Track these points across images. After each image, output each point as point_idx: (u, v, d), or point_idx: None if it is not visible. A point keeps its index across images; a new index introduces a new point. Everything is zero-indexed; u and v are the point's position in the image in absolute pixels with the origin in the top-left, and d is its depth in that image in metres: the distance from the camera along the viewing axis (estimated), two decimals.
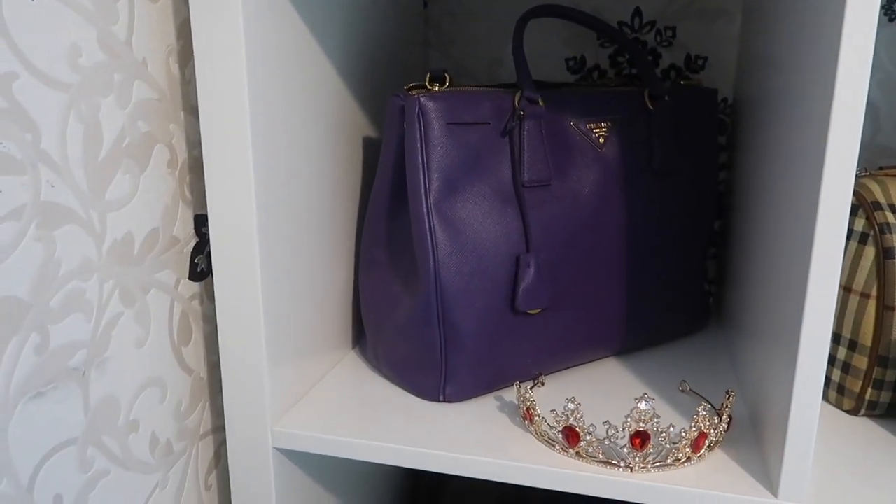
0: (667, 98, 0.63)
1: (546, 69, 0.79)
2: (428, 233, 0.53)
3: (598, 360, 0.64)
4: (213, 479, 0.58)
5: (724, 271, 0.73)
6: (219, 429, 0.59)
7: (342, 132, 0.61)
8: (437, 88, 0.55)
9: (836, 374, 0.55)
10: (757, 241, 0.56)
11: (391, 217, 0.58)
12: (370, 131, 0.67)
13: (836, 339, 0.55)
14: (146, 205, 0.48)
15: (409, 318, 0.56)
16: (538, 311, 0.56)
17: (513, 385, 0.59)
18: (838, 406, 0.56)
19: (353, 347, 0.67)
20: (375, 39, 0.68)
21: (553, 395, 0.57)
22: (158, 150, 0.49)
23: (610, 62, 0.78)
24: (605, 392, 0.58)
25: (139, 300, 0.48)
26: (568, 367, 0.62)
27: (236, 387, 0.52)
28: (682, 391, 0.57)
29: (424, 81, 0.56)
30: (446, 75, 0.56)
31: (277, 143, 0.50)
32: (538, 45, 0.79)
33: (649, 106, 0.62)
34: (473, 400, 0.56)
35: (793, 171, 0.45)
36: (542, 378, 0.58)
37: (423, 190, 0.53)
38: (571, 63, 0.79)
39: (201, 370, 0.56)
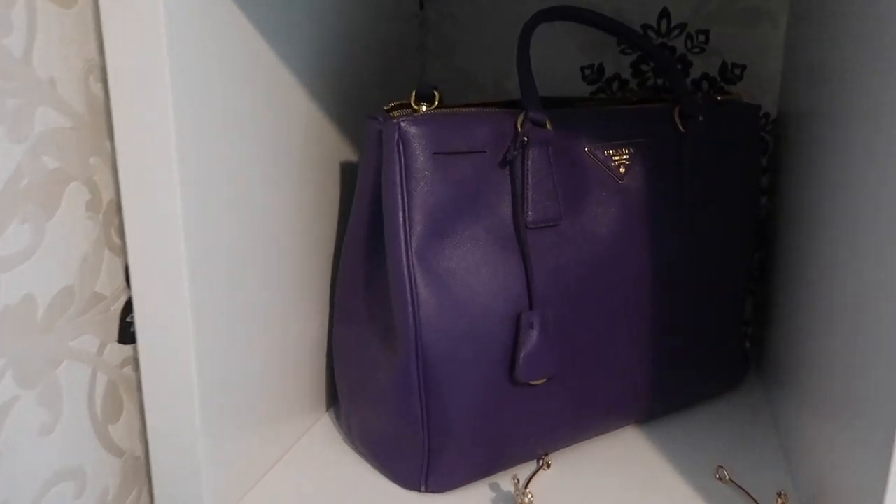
0: (701, 118, 0.52)
1: (559, 80, 0.69)
2: (408, 287, 0.43)
3: (616, 430, 0.54)
4: None
5: (764, 311, 0.63)
6: None
7: (315, 157, 0.52)
8: (424, 109, 0.45)
9: None
10: (814, 280, 0.45)
11: (369, 260, 0.48)
12: (352, 155, 0.58)
13: None
14: (55, 258, 0.39)
15: (386, 388, 0.46)
16: (543, 380, 0.46)
17: (512, 468, 0.48)
18: None
19: (328, 409, 0.57)
20: (361, 47, 0.58)
21: (562, 479, 0.47)
22: (73, 190, 0.40)
23: (632, 71, 0.68)
24: (625, 475, 0.47)
25: (45, 378, 0.39)
26: (580, 442, 0.51)
27: (167, 476, 0.42)
28: (720, 479, 0.47)
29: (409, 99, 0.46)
30: (436, 92, 0.46)
31: (217, 174, 0.41)
32: (550, 52, 0.69)
33: (680, 127, 0.52)
34: (463, 489, 0.46)
35: (878, 200, 0.35)
36: (547, 458, 0.48)
37: (402, 234, 0.43)
38: (588, 72, 0.69)
39: (136, 449, 0.46)
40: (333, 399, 0.57)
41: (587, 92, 0.69)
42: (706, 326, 0.55)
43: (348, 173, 0.57)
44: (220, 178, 0.41)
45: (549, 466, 0.48)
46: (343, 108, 0.56)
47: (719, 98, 0.55)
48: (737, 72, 0.65)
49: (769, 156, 0.66)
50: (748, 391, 0.60)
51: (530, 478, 0.46)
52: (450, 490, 0.46)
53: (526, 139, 0.45)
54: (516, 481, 0.43)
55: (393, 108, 0.46)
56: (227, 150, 0.41)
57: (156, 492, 0.42)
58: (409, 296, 0.43)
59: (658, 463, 0.49)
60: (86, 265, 0.41)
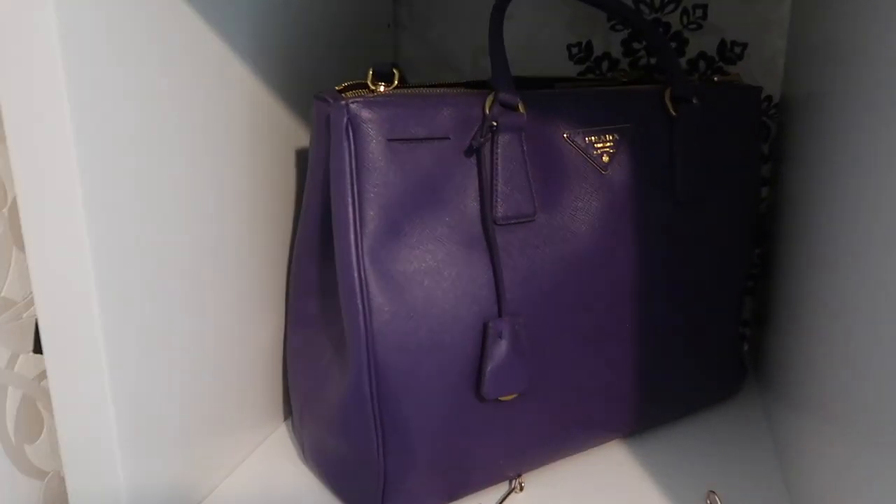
0: (695, 100, 0.47)
1: (543, 59, 0.64)
2: (358, 293, 0.38)
3: (600, 445, 0.49)
4: None
5: (764, 311, 0.58)
6: None
7: (267, 144, 0.46)
8: (382, 89, 0.40)
9: None
10: (820, 278, 0.40)
11: (323, 257, 0.43)
12: (306, 141, 0.52)
13: None
14: None
15: (337, 405, 0.41)
16: (514, 396, 0.41)
17: (481, 491, 0.44)
18: None
19: (286, 419, 0.52)
20: (324, 21, 0.52)
21: (535, 502, 0.42)
22: None
23: (623, 50, 0.62)
24: (605, 498, 0.43)
25: None
26: (557, 461, 0.47)
27: (84, 499, 0.37)
28: None
29: (366, 79, 0.41)
30: (395, 70, 0.41)
31: (125, 156, 0.36)
32: (534, 29, 0.63)
33: (672, 111, 0.46)
34: None
35: (891, 191, 0.29)
36: (521, 480, 0.43)
37: (352, 233, 0.38)
38: (575, 51, 0.63)
39: (60, 467, 0.42)
40: (291, 409, 0.53)
41: (574, 72, 0.63)
42: (699, 331, 0.50)
43: (304, 162, 0.52)
44: (130, 162, 0.36)
45: (521, 489, 0.43)
46: (303, 90, 0.51)
47: (716, 79, 0.50)
48: (737, 50, 0.60)
49: (771, 143, 0.61)
50: (745, 401, 0.55)
51: (499, 503, 0.41)
52: None
53: (495, 124, 0.40)
54: None
55: (346, 89, 0.40)
56: (140, 132, 0.36)
57: None
58: (360, 302, 0.38)
59: (643, 484, 0.44)
60: None
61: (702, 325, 0.50)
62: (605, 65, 0.62)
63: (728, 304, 0.52)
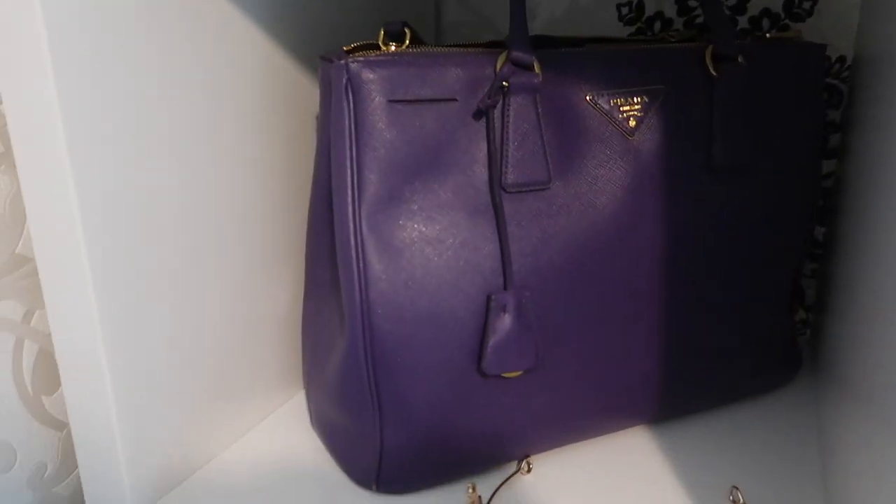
0: (740, 59, 0.42)
1: (592, 20, 0.60)
2: (354, 260, 0.37)
3: (620, 430, 0.46)
4: None
5: (825, 296, 0.52)
6: None
7: (289, 107, 0.46)
8: (393, 49, 0.38)
9: None
10: (892, 261, 0.35)
11: (332, 223, 0.42)
12: None
13: None
14: None
15: (336, 373, 0.40)
16: (518, 373, 0.39)
17: (482, 472, 0.42)
18: None
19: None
20: None
21: (540, 487, 0.40)
22: None
23: (678, 9, 0.57)
24: (619, 488, 0.40)
25: None
26: (571, 444, 0.44)
27: (89, 452, 0.38)
28: (733, 503, 0.38)
29: (378, 39, 0.39)
30: (406, 30, 0.39)
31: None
32: None
33: (712, 71, 0.42)
34: (422, 493, 0.40)
35: None
36: (529, 461, 0.41)
37: (349, 197, 0.37)
38: (625, 10, 0.59)
39: None
40: None
41: (624, 35, 0.59)
42: (741, 315, 0.46)
43: None
44: (147, 124, 0.36)
45: (529, 470, 0.41)
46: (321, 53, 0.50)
47: (768, 35, 0.45)
48: (806, 6, 0.54)
49: (844, 109, 0.55)
50: (796, 392, 0.50)
51: (499, 486, 0.40)
52: (406, 492, 0.40)
53: (505, 84, 0.37)
54: (470, 490, 0.36)
55: (355, 49, 0.39)
56: (154, 89, 0.36)
57: (81, 470, 0.39)
58: (356, 269, 0.37)
59: (664, 475, 0.41)
60: (1, 225, 0.37)
61: (745, 309, 0.46)
62: (657, 25, 0.58)
63: (779, 286, 0.47)
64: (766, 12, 0.55)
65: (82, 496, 0.44)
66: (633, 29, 0.59)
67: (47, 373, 0.41)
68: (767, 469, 0.42)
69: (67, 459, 0.43)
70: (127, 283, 0.36)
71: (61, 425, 0.42)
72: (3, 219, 0.37)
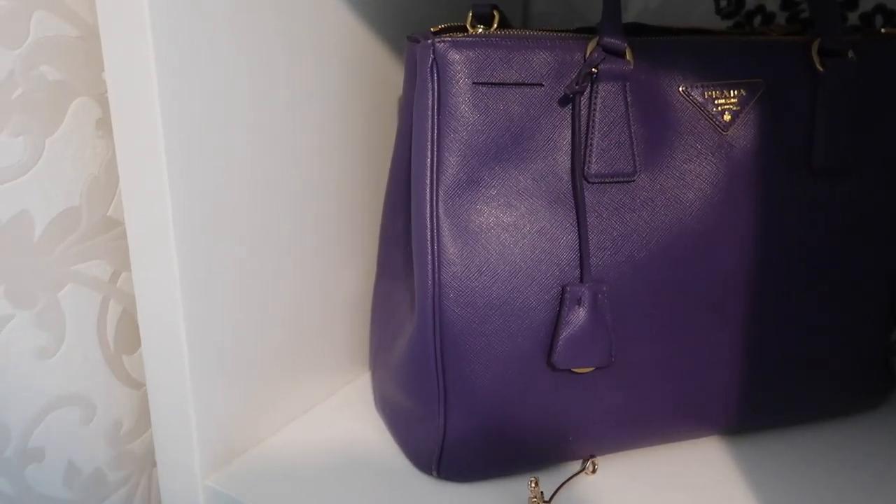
0: (850, 54, 0.39)
1: (687, 13, 0.57)
2: (430, 242, 0.37)
3: (693, 439, 0.44)
4: None
5: None
6: None
7: (370, 87, 0.46)
8: (480, 31, 0.38)
9: None
10: None
11: (408, 207, 0.42)
12: None
13: None
14: (56, 177, 0.37)
15: (403, 355, 0.40)
16: (590, 369, 0.38)
17: (543, 468, 0.41)
18: None
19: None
20: None
21: (605, 490, 0.39)
22: (80, 106, 0.38)
23: (781, 2, 0.54)
24: (686, 499, 0.38)
25: (43, 299, 0.37)
26: (641, 448, 0.43)
27: (163, 416, 0.40)
28: None
29: (466, 22, 0.38)
30: (495, 13, 0.38)
31: (218, 95, 0.36)
32: None
33: (818, 66, 0.40)
34: (482, 484, 0.40)
35: None
36: (595, 461, 0.40)
37: (428, 178, 0.37)
38: (724, 3, 0.56)
39: None
40: None
41: (722, 29, 0.57)
42: (834, 327, 0.43)
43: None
44: (226, 103, 0.37)
45: (594, 471, 0.40)
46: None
47: (883, 31, 0.42)
48: None
49: None
50: (886, 414, 0.47)
51: (562, 483, 0.38)
52: (466, 481, 0.39)
53: (595, 71, 0.36)
54: (532, 485, 0.35)
55: (443, 31, 0.39)
56: (236, 70, 0.37)
57: (154, 430, 0.40)
58: (430, 252, 0.37)
59: (735, 492, 0.39)
60: (95, 187, 0.39)
61: (838, 322, 0.43)
62: (757, 20, 0.55)
63: (876, 301, 0.44)
64: (880, 8, 0.51)
65: (154, 455, 0.45)
66: (731, 23, 0.56)
67: (129, 334, 0.43)
68: (849, 493, 0.39)
69: (142, 419, 0.44)
70: (208, 253, 0.37)
71: (138, 385, 0.44)
72: (97, 181, 0.39)
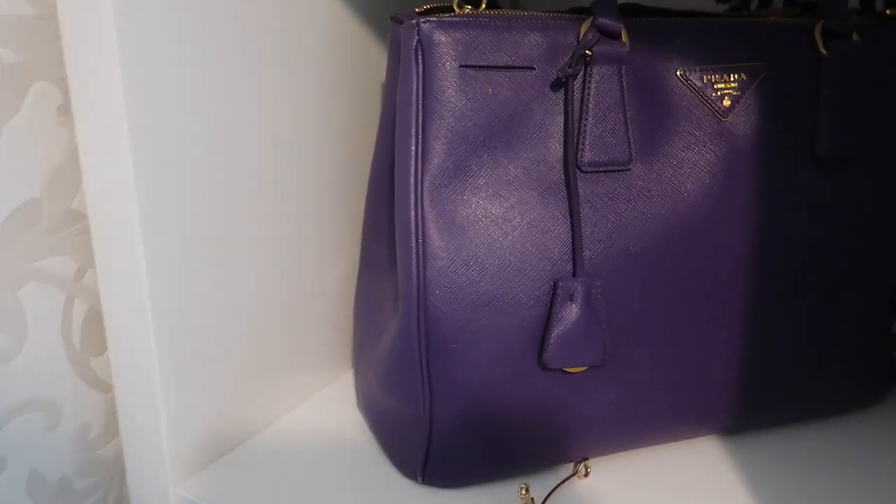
0: (855, 37, 0.38)
1: None
2: (414, 234, 0.35)
3: (690, 439, 0.42)
4: None
5: None
6: None
7: (351, 73, 0.44)
8: (468, 11, 0.35)
9: None
10: None
11: (391, 199, 0.40)
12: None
13: None
14: (15, 167, 0.35)
15: (386, 354, 0.38)
16: (583, 368, 0.36)
17: (533, 473, 0.39)
18: None
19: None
20: None
21: (598, 493, 0.37)
22: (40, 91, 0.35)
23: None
24: (682, 502, 0.37)
25: (2, 299, 0.35)
26: (635, 449, 0.41)
27: (132, 425, 0.37)
28: None
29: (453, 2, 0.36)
30: None
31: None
32: None
33: (822, 49, 0.38)
34: (470, 490, 0.38)
35: None
36: (587, 464, 0.38)
37: (412, 167, 0.35)
38: None
39: None
40: None
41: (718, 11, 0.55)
42: (835, 322, 0.41)
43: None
44: (202, 90, 0.34)
45: (586, 475, 0.38)
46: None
47: (889, 12, 0.40)
48: None
49: None
50: (886, 409, 0.46)
51: (554, 488, 0.37)
52: (453, 487, 0.37)
53: (588, 53, 0.34)
54: (522, 491, 0.34)
55: (428, 11, 0.36)
56: (210, 55, 0.35)
57: (122, 434, 0.38)
58: (414, 246, 0.35)
59: (735, 493, 0.37)
60: (58, 178, 0.37)
61: (839, 316, 0.41)
62: (753, 3, 0.53)
63: (878, 294, 0.42)
64: None
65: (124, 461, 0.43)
66: (727, 6, 0.54)
67: (96, 334, 0.40)
68: (849, 493, 0.37)
69: (112, 423, 0.42)
70: (177, 248, 0.35)
71: (107, 387, 0.41)
72: (60, 172, 0.37)
